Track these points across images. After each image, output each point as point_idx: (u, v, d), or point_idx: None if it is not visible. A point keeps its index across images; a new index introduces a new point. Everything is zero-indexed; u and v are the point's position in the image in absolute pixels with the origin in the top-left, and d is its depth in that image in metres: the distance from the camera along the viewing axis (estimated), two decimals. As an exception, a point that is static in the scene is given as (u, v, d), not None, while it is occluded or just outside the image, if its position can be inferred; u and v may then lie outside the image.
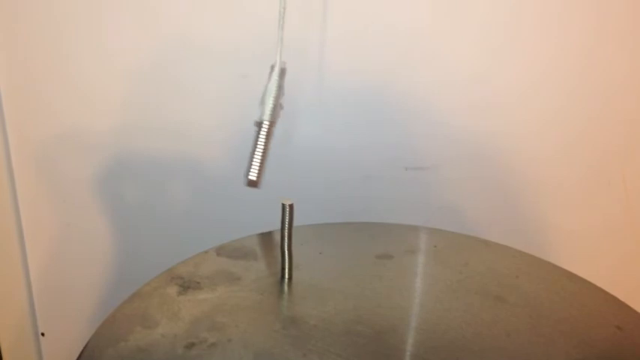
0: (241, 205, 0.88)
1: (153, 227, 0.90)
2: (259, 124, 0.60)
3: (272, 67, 0.60)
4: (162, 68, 0.82)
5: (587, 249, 0.92)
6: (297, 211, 0.62)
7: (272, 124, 0.60)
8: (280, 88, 0.61)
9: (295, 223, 0.63)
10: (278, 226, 0.63)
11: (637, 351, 0.55)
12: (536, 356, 0.54)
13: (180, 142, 0.86)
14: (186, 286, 0.61)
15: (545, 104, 0.84)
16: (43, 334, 0.98)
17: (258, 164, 0.60)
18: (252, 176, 0.60)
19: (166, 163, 0.87)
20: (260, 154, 0.60)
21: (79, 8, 0.79)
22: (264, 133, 0.60)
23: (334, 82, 0.83)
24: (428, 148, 0.87)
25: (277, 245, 0.63)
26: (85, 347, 0.52)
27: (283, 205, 0.62)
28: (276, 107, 0.61)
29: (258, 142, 0.60)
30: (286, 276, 0.64)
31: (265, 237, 0.72)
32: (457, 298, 0.62)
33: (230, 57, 0.81)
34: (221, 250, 0.68)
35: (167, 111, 0.84)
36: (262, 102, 0.60)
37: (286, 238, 0.63)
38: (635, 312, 0.60)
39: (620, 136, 0.87)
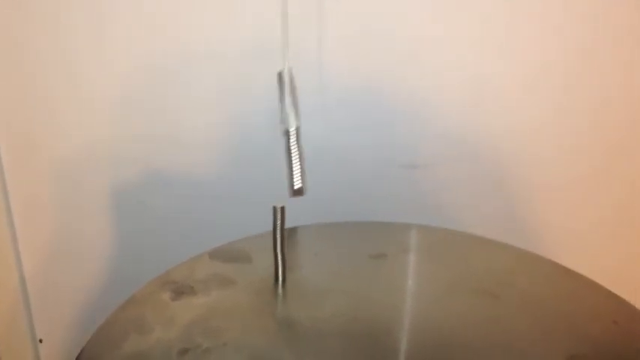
0: (234, 207, 0.88)
1: (147, 230, 0.90)
2: (287, 133, 0.60)
3: (279, 75, 0.60)
4: (155, 73, 0.82)
5: (585, 248, 0.91)
6: (290, 211, 0.62)
7: (298, 129, 0.60)
8: (294, 91, 0.61)
9: (289, 223, 0.63)
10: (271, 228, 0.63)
11: (633, 344, 0.55)
12: (535, 352, 0.54)
13: (176, 145, 0.86)
14: (180, 290, 0.61)
15: (544, 104, 0.84)
16: (41, 341, 0.98)
17: (299, 171, 0.59)
18: (297, 184, 0.59)
19: (161, 166, 0.87)
20: (297, 161, 0.59)
21: (79, 8, 0.79)
22: (294, 140, 0.60)
23: (331, 81, 0.82)
24: (423, 146, 0.87)
25: (270, 247, 0.63)
26: (79, 354, 0.52)
27: (274, 208, 0.62)
28: (297, 111, 0.60)
29: (292, 151, 0.59)
30: (280, 278, 0.63)
31: (258, 239, 0.71)
32: (453, 296, 0.62)
33: (227, 61, 0.81)
34: (214, 254, 0.68)
35: (161, 115, 0.84)
36: (281, 111, 0.60)
37: (279, 241, 0.63)
38: (630, 306, 0.60)
39: (620, 136, 0.86)
